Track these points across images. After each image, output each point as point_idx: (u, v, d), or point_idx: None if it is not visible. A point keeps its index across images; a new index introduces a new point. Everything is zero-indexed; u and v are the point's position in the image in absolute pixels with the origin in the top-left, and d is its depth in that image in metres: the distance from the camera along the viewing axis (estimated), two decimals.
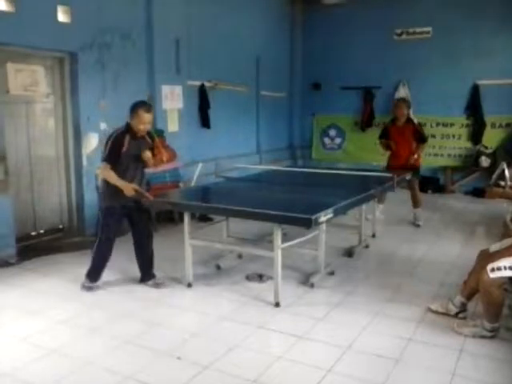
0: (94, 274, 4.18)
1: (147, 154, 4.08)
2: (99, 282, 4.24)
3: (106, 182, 4.01)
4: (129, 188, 3.93)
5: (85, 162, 5.78)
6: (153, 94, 6.61)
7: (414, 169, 6.41)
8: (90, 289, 4.17)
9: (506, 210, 5.28)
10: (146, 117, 4.01)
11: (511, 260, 3.13)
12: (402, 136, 6.51)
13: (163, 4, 6.53)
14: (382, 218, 6.73)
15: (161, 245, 5.62)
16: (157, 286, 4.28)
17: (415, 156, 6.48)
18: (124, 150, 3.96)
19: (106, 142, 4.00)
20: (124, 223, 4.29)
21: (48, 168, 5.68)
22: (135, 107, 4.00)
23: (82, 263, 4.86)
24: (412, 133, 6.51)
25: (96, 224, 4.22)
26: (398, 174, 5.34)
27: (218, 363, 2.99)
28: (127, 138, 3.98)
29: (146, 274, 4.34)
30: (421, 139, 6.59)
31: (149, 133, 4.19)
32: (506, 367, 2.96)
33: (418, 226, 6.58)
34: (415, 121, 6.75)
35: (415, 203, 6.65)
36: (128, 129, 4.03)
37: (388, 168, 6.58)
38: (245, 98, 8.85)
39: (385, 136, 6.78)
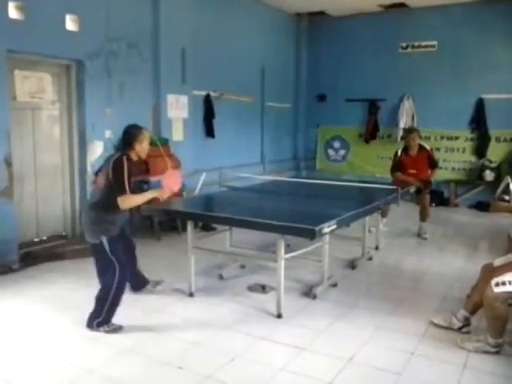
0: (112, 310, 3.58)
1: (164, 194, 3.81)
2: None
3: (102, 213, 3.55)
4: (163, 193, 3.78)
5: (89, 169, 5.79)
6: (158, 103, 6.65)
7: (427, 183, 6.45)
8: (119, 329, 3.58)
9: (511, 225, 5.26)
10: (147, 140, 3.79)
11: None
12: (417, 165, 6.46)
13: (170, 14, 6.59)
14: (386, 230, 6.71)
15: (163, 254, 5.63)
16: (157, 284, 4.32)
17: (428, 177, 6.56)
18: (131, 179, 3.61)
19: (115, 171, 3.51)
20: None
21: (52, 175, 5.70)
22: (139, 131, 3.73)
23: (84, 270, 4.86)
24: (426, 159, 6.49)
25: (101, 259, 3.64)
26: (401, 186, 5.32)
27: (219, 374, 2.97)
28: (129, 164, 3.61)
29: (143, 280, 4.29)
30: (433, 165, 6.58)
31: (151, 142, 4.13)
32: None
33: (425, 238, 6.54)
34: (427, 147, 6.66)
35: (423, 217, 6.61)
36: (127, 155, 3.65)
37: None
38: (250, 109, 8.88)
39: (398, 167, 6.58)
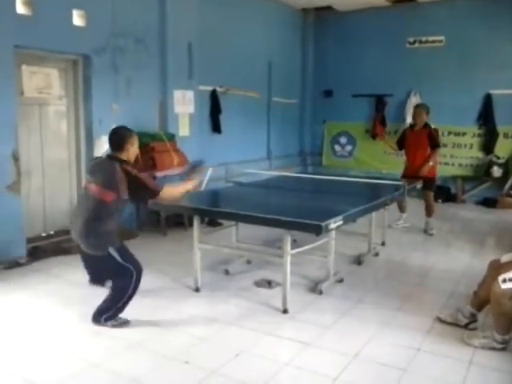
0: (123, 308, 3.53)
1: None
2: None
3: (102, 224, 3.34)
4: (190, 184, 3.83)
5: None
6: (165, 99, 6.65)
7: (430, 180, 6.41)
8: (126, 323, 3.58)
9: None
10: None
11: None
12: (417, 140, 6.53)
13: (176, 9, 6.59)
14: (407, 226, 6.76)
15: (170, 249, 5.65)
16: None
17: (430, 163, 6.44)
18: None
19: (132, 181, 3.36)
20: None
21: (59, 170, 5.73)
22: (129, 134, 3.53)
23: None
24: (427, 137, 6.49)
25: (112, 268, 3.47)
26: (409, 182, 5.32)
27: (225, 368, 2.98)
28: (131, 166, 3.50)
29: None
30: (433, 144, 6.52)
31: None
32: None
33: (431, 234, 6.54)
34: (432, 126, 6.68)
35: (428, 213, 6.61)
36: (124, 161, 3.46)
37: (403, 177, 6.48)
38: (256, 104, 8.86)
39: (401, 142, 6.83)
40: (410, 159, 6.65)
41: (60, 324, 3.62)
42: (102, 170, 3.40)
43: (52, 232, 5.67)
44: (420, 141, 6.51)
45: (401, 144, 6.87)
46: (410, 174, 6.44)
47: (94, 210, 3.33)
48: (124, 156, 3.47)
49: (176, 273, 4.67)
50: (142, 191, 3.43)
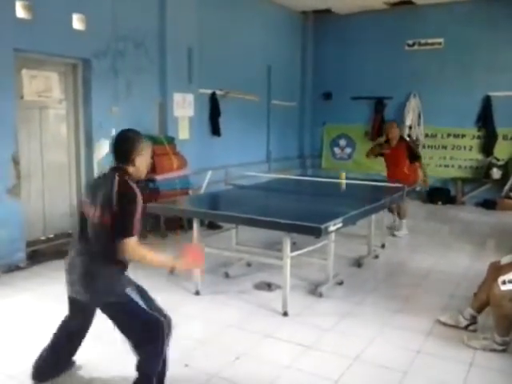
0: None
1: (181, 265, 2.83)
2: None
3: (116, 259, 2.51)
4: (182, 265, 2.81)
5: (96, 168, 5.82)
6: (164, 102, 6.66)
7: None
8: None
9: None
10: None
11: None
12: (396, 156, 6.42)
13: (176, 13, 6.60)
14: (407, 233, 6.60)
15: (169, 252, 5.64)
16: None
17: (422, 178, 6.53)
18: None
19: (126, 203, 2.47)
20: None
21: (59, 173, 5.73)
22: (138, 139, 2.62)
23: None
24: (405, 150, 6.41)
25: (130, 320, 2.54)
26: (410, 184, 5.33)
27: (226, 372, 2.98)
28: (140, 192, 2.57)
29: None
30: (413, 156, 6.44)
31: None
32: None
33: (394, 235, 6.49)
34: (407, 139, 6.70)
35: (402, 215, 6.55)
36: (128, 174, 2.60)
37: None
38: (255, 107, 8.88)
39: (379, 149, 6.72)
40: (390, 173, 6.53)
41: None
42: (101, 187, 2.55)
43: (52, 235, 5.67)
44: (399, 156, 6.40)
45: (377, 153, 6.76)
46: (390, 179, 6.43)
47: (98, 241, 2.52)
48: (130, 168, 2.60)
49: (176, 276, 4.66)
50: (122, 220, 2.44)
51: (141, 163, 2.63)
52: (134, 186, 2.53)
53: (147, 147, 2.67)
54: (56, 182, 5.70)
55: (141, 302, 2.53)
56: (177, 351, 3.23)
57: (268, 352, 3.27)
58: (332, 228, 3.51)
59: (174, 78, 6.70)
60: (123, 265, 2.59)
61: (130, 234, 2.44)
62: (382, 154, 6.72)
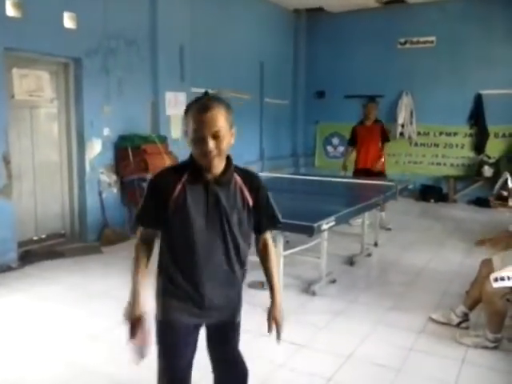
0: None
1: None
2: None
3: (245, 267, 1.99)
4: (128, 312, 1.89)
5: (88, 167, 5.79)
6: (156, 101, 6.64)
7: (381, 175, 6.69)
8: None
9: (509, 220, 5.27)
10: (200, 120, 1.83)
11: None
12: (370, 135, 6.78)
13: (168, 11, 6.57)
14: (391, 227, 6.75)
15: None
16: None
17: (382, 159, 6.80)
18: (173, 202, 1.79)
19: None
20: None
21: (51, 173, 5.70)
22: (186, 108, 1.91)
23: (83, 268, 4.89)
24: (379, 132, 6.78)
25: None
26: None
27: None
28: (182, 182, 1.81)
29: None
30: (384, 139, 6.89)
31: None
32: (509, 379, 2.93)
33: (389, 229, 6.66)
34: (382, 121, 7.09)
35: (380, 208, 6.60)
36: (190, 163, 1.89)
37: (355, 172, 6.86)
38: (248, 106, 8.86)
39: (353, 139, 7.05)
40: (363, 153, 6.83)
41: (53, 328, 3.59)
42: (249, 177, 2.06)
43: (44, 236, 5.64)
44: (373, 135, 6.77)
45: (353, 141, 7.08)
46: (362, 169, 6.74)
47: (245, 249, 1.95)
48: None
49: None
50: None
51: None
52: (160, 172, 1.91)
53: (190, 118, 1.88)
54: (48, 182, 5.66)
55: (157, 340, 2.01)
56: None
57: (261, 351, 3.27)
58: (325, 226, 3.52)
59: (165, 77, 6.68)
60: (167, 285, 1.98)
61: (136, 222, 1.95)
62: (353, 143, 7.00)
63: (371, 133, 6.79)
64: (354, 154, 7.16)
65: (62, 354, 3.20)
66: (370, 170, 6.67)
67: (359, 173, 6.74)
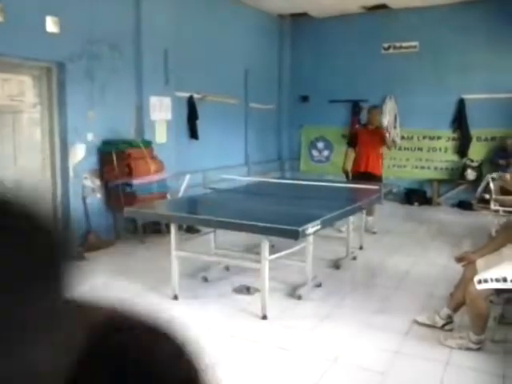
0: None
1: None
2: None
3: None
4: None
5: (71, 172, 5.74)
6: (141, 105, 6.61)
7: (378, 179, 6.67)
8: None
9: (492, 223, 5.34)
10: None
11: (498, 272, 3.15)
12: (373, 138, 6.80)
13: (152, 15, 6.56)
14: (376, 231, 6.79)
15: (147, 256, 5.60)
16: None
17: (381, 164, 6.97)
18: None
19: None
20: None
21: (33, 178, 5.63)
22: None
23: None
24: (381, 137, 6.82)
25: None
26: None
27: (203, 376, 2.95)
28: None
29: None
30: (384, 144, 6.97)
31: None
32: (492, 379, 2.96)
33: (375, 232, 6.70)
34: (384, 126, 7.15)
35: (368, 212, 6.60)
36: None
37: (355, 176, 6.84)
38: (233, 110, 8.87)
39: (353, 141, 7.07)
40: (365, 156, 6.83)
41: None
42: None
43: None
44: (375, 140, 6.81)
45: (353, 142, 7.09)
46: (362, 172, 6.74)
47: None
48: None
49: (154, 280, 4.62)
50: None
51: None
52: None
53: None
54: (30, 188, 5.58)
55: None
56: None
57: (247, 356, 3.26)
58: (310, 230, 3.52)
59: (150, 81, 6.65)
60: None
61: None
62: (353, 146, 7.01)
63: (373, 137, 6.79)
64: (352, 156, 7.11)
65: None
66: (371, 173, 6.66)
67: (358, 176, 6.68)
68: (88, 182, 5.92)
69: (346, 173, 7.07)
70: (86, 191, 5.88)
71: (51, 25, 5.34)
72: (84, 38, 5.74)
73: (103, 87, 6.05)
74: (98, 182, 6.05)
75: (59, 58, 5.53)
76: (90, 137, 5.90)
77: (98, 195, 6.08)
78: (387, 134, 6.95)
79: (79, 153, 5.81)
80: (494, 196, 4.05)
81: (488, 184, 4.33)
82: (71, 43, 5.58)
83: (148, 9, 6.50)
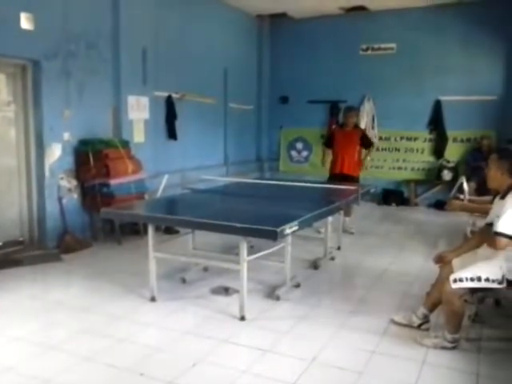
0: None
1: None
2: None
3: None
4: None
5: (47, 172, 5.65)
6: (118, 105, 6.53)
7: (355, 179, 6.74)
8: None
9: (467, 223, 5.41)
10: None
11: (473, 271, 3.20)
12: (349, 139, 6.83)
13: (130, 13, 6.49)
14: (354, 231, 6.83)
15: (125, 258, 5.54)
16: None
17: (368, 158, 7.11)
18: None
19: None
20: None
21: (8, 179, 5.52)
22: None
23: (42, 277, 4.76)
24: (359, 137, 6.85)
25: None
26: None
27: (182, 379, 2.93)
28: None
29: None
30: (368, 144, 7.00)
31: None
32: (467, 378, 3.00)
33: (352, 233, 6.75)
34: (362, 128, 7.14)
35: (346, 212, 6.68)
36: None
37: (331, 177, 6.91)
38: (212, 110, 8.84)
39: (330, 141, 7.08)
40: (340, 157, 6.86)
41: (9, 340, 3.47)
42: None
43: (1, 243, 5.45)
44: (351, 140, 6.83)
45: (330, 143, 7.12)
46: (338, 174, 6.78)
47: None
48: None
49: (131, 282, 4.58)
50: None
51: None
52: None
53: None
54: (5, 187, 5.49)
55: None
56: (132, 360, 3.17)
57: (225, 357, 3.25)
58: (288, 231, 3.52)
59: (128, 81, 6.58)
60: None
61: None
62: (330, 146, 7.04)
63: (350, 138, 6.82)
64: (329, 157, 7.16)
65: (17, 365, 3.08)
66: (347, 175, 6.69)
67: (335, 177, 6.73)
68: (64, 182, 5.83)
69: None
70: (61, 191, 5.79)
71: (25, 21, 5.24)
72: (60, 36, 5.65)
73: (80, 86, 5.96)
74: (74, 182, 5.96)
75: (34, 55, 5.43)
76: (66, 136, 5.81)
77: (75, 195, 5.99)
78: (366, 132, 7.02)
79: (55, 152, 5.72)
80: (467, 197, 4.09)
81: (462, 184, 4.39)
82: (47, 41, 5.49)
83: (126, 7, 6.44)
